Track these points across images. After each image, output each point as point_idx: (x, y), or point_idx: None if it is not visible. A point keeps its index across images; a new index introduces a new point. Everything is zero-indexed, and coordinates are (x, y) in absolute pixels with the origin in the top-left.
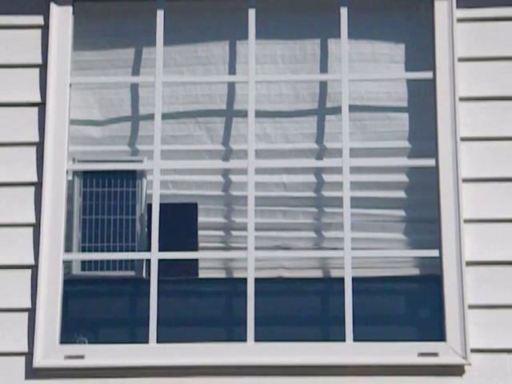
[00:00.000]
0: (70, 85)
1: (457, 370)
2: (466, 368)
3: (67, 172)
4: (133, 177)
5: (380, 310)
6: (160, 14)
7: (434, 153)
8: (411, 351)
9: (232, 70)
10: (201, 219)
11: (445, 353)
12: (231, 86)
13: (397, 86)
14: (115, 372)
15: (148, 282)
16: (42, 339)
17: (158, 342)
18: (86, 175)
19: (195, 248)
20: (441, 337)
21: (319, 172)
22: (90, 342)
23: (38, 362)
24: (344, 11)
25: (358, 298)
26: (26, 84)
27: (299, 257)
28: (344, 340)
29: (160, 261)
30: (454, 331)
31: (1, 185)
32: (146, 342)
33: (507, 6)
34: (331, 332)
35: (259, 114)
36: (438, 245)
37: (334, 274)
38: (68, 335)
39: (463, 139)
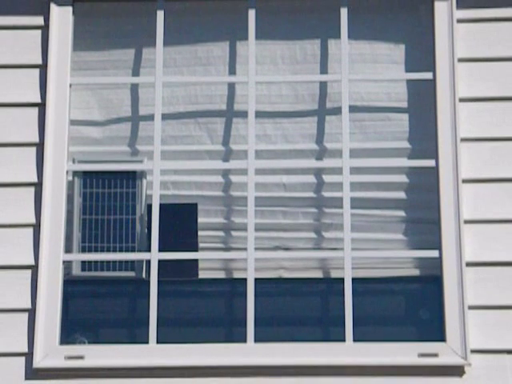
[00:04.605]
0: (70, 85)
1: (457, 371)
2: (465, 368)
3: (67, 172)
4: (133, 177)
5: (380, 311)
6: (160, 14)
7: (434, 153)
8: (411, 352)
9: (232, 71)
10: (201, 220)
11: (445, 353)
12: (231, 87)
13: (397, 87)
14: (115, 372)
15: (148, 282)
16: (41, 340)
17: (157, 342)
18: (85, 176)
19: (195, 248)
20: (441, 337)
21: (319, 172)
22: (89, 343)
23: (38, 362)
24: (344, 12)
25: (358, 299)
26: (26, 84)
27: (299, 257)
28: (344, 340)
29: (160, 261)
30: (453, 332)
31: (1, 185)
32: (146, 342)
33: (507, 6)
34: (331, 332)
35: (259, 114)
36: (438, 245)
37: (334, 274)
38: (68, 336)
39: (463, 140)
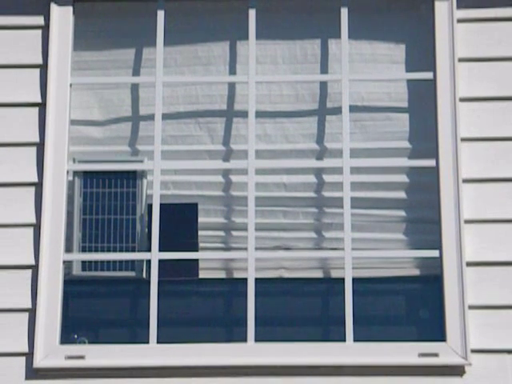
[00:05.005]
0: (71, 85)
1: (457, 371)
2: (466, 368)
3: (67, 172)
4: (133, 177)
5: (380, 311)
6: (160, 14)
7: (434, 153)
8: (411, 351)
9: (232, 71)
10: (201, 219)
11: (445, 353)
12: (231, 87)
13: (397, 87)
14: (115, 372)
15: (148, 282)
16: (42, 339)
17: (158, 342)
18: (86, 175)
19: (195, 248)
20: (441, 337)
21: (319, 172)
22: (90, 343)
23: (39, 362)
24: (344, 11)
25: (359, 299)
26: (26, 84)
27: (299, 257)
28: (344, 340)
29: (160, 261)
30: (454, 331)
31: (1, 185)
32: (147, 342)
33: (507, 6)
34: (331, 332)
35: (259, 114)
36: (438, 245)
37: (335, 274)
38: (68, 335)
39: (463, 139)
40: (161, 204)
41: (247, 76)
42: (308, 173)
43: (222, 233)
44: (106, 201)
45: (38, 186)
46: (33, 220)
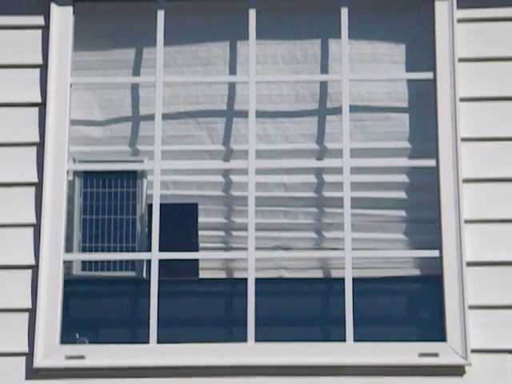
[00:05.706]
0: (71, 85)
1: (457, 371)
2: (466, 368)
3: (68, 172)
4: (133, 177)
5: (380, 311)
6: (160, 14)
7: (434, 153)
8: (412, 351)
9: (232, 71)
10: (201, 219)
11: (445, 353)
12: (232, 87)
13: (397, 87)
14: (116, 372)
15: (148, 282)
16: (42, 339)
17: (158, 342)
18: (86, 175)
19: (196, 248)
20: (441, 337)
21: (320, 172)
22: (90, 343)
23: (39, 362)
24: (344, 11)
25: (359, 299)
26: (27, 84)
27: (300, 257)
28: (344, 340)
29: (160, 261)
30: (454, 331)
31: (1, 185)
32: (147, 342)
33: (507, 6)
34: (332, 332)
35: (260, 114)
36: (438, 245)
37: (335, 274)
38: (68, 335)
39: (463, 139)
40: (161, 204)
41: (247, 76)
42: (308, 173)
43: (222, 233)
44: (106, 201)
45: (38, 186)
46: (33, 220)
